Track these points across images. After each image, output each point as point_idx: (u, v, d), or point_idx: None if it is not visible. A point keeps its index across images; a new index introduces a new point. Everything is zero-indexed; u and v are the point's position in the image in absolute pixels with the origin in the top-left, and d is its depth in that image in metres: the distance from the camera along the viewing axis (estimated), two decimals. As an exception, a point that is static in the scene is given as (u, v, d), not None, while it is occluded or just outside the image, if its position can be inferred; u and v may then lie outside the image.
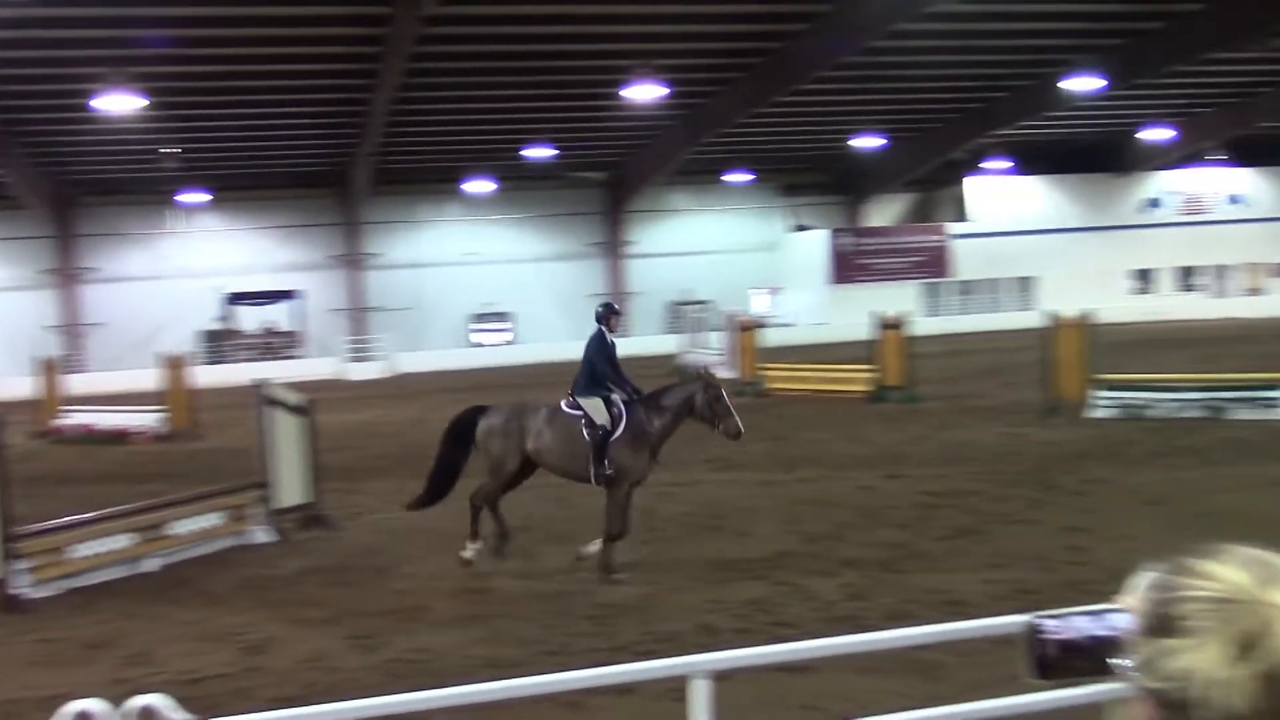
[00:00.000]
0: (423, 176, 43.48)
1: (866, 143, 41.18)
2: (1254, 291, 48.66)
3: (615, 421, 10.60)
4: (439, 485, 11.14)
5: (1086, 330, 20.26)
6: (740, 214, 49.50)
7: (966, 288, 48.54)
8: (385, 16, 25.77)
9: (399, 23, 25.59)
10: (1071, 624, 1.63)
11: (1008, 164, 46.93)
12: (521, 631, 8.84)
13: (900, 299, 39.09)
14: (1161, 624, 1.23)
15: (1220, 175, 49.74)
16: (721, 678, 4.60)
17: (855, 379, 24.28)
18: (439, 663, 8.09)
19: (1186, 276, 50.24)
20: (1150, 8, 28.95)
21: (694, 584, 9.98)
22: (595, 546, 10.45)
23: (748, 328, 27.34)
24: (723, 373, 28.91)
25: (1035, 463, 15.17)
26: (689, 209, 48.99)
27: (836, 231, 48.00)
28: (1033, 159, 47.28)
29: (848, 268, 47.08)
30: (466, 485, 11.21)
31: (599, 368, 10.88)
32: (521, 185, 44.54)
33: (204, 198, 41.95)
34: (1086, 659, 1.59)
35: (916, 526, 11.73)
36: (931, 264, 48.07)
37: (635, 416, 10.67)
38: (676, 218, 48.94)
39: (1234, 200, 50.29)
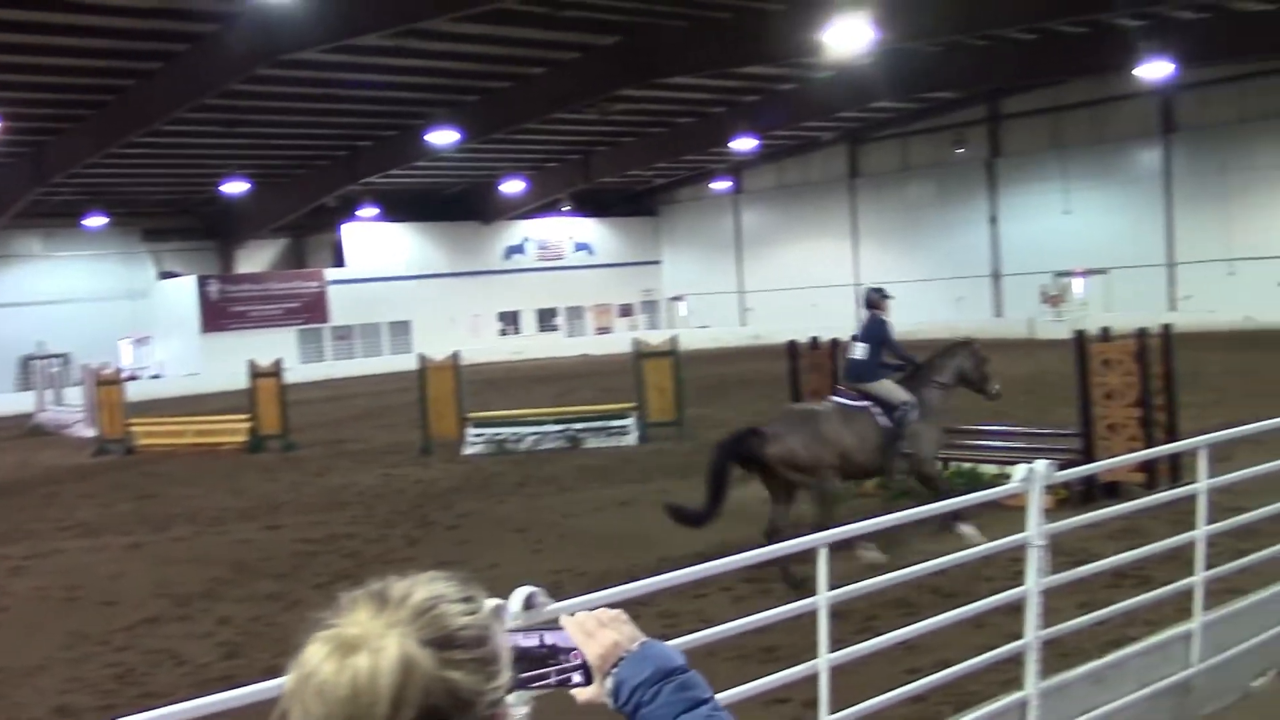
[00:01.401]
0: None
1: (234, 187, 40.21)
2: (603, 330, 53.63)
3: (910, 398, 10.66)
4: (715, 505, 10.02)
5: (457, 371, 21.22)
6: (102, 260, 46.26)
7: (345, 332, 48.89)
8: None
9: None
10: (517, 638, 1.70)
11: (379, 211, 47.98)
12: None
13: (278, 345, 38.51)
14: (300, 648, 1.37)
15: (569, 224, 54.40)
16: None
17: (231, 429, 23.59)
18: None
19: (546, 318, 54.29)
20: (499, 68, 31.01)
21: (50, 664, 9.13)
22: (966, 528, 9.95)
23: (109, 382, 25.56)
24: (85, 431, 26.90)
25: (412, 501, 15.61)
26: (41, 255, 44.99)
27: (207, 278, 46.34)
28: (405, 207, 48.81)
29: (221, 315, 45.60)
30: None
31: (894, 348, 11.01)
32: None
33: None
34: (523, 669, 1.69)
35: (294, 576, 11.61)
36: (309, 309, 47.89)
37: (920, 392, 10.73)
38: (27, 264, 44.73)
39: (581, 248, 55.21)
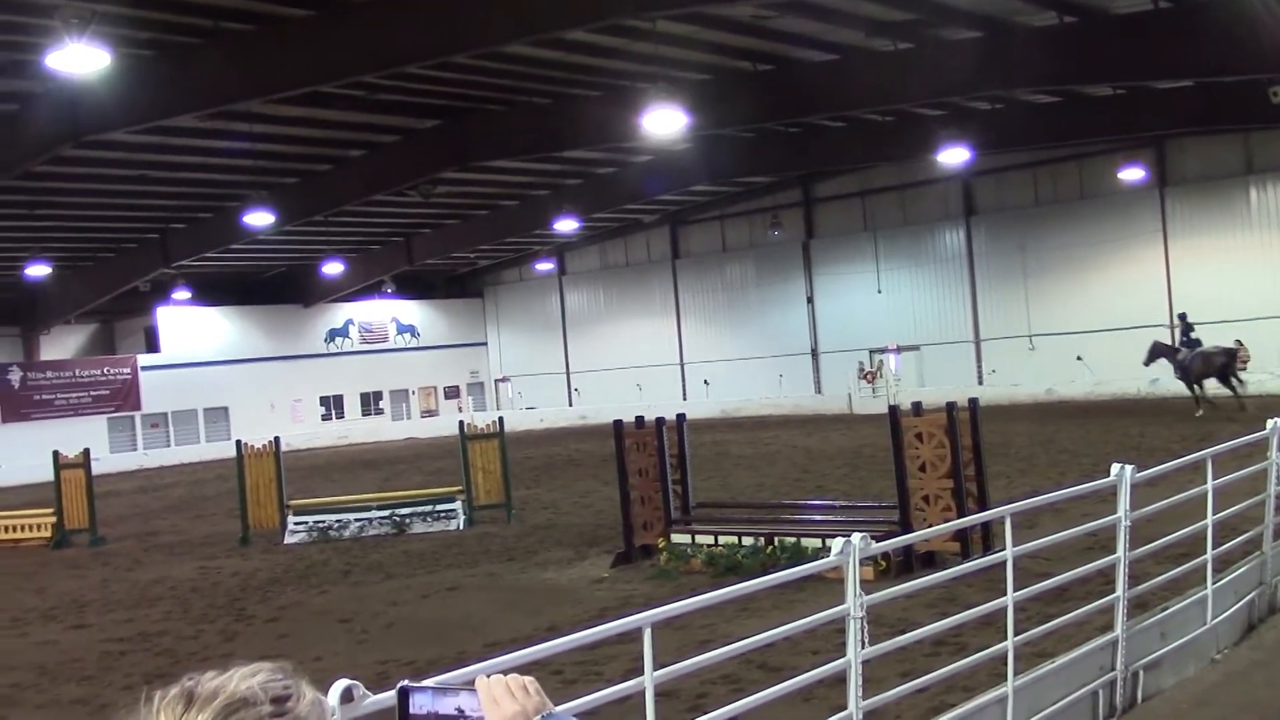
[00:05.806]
0: None
1: (37, 271, 38.50)
2: (428, 413, 52.96)
3: None
4: None
5: (277, 457, 20.67)
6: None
7: (160, 420, 47.10)
8: None
9: None
10: (434, 699, 1.74)
11: (191, 294, 46.46)
12: None
13: (86, 435, 36.80)
14: None
15: (393, 307, 53.81)
16: None
17: (33, 524, 22.42)
18: None
19: (371, 401, 53.35)
20: (318, 150, 30.62)
21: None
22: None
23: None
24: None
25: (229, 595, 15.04)
26: None
27: (7, 366, 44.11)
28: (222, 290, 47.53)
29: (23, 404, 43.40)
30: None
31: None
32: None
33: None
34: None
35: (102, 678, 11.01)
36: (119, 397, 46.02)
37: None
38: None
39: (405, 330, 54.65)
